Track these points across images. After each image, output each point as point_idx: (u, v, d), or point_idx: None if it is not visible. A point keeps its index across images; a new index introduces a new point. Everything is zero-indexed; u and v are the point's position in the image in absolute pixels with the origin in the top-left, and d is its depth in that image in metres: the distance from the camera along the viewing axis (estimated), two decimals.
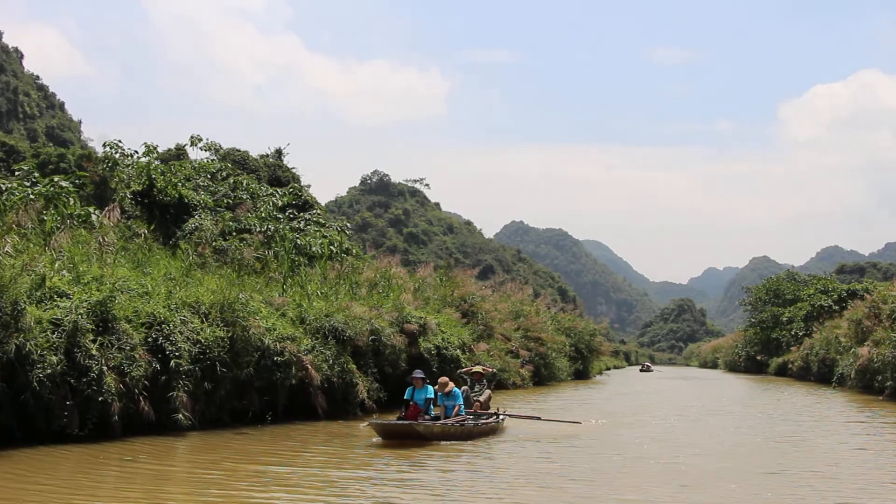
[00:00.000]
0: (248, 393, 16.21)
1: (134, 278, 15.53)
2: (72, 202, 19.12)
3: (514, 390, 33.21)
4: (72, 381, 12.58)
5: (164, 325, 14.43)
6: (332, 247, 24.86)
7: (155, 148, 26.16)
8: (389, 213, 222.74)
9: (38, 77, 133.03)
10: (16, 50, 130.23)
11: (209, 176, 27.30)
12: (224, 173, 27.27)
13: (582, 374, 52.71)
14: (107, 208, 19.09)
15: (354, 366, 18.27)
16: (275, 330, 16.85)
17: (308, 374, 16.85)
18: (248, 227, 23.72)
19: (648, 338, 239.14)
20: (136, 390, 13.39)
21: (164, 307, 14.92)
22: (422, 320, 21.58)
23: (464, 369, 19.47)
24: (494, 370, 20.48)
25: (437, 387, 15.59)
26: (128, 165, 23.77)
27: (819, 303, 56.95)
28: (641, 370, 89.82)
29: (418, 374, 15.33)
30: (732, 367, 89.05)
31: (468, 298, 30.96)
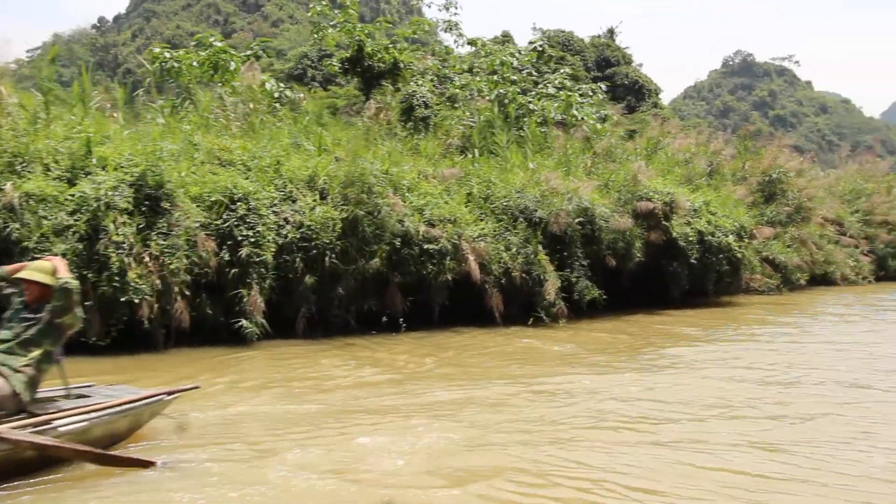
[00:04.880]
0: (385, 292, 12.50)
1: (242, 148, 12.33)
2: None
3: (843, 287, 26.52)
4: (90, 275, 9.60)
5: (239, 203, 11.05)
6: (574, 112, 19.99)
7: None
8: (754, 94, 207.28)
9: None
10: None
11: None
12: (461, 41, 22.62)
13: None
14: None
15: (546, 257, 13.76)
16: (425, 210, 12.89)
17: (469, 266, 12.73)
18: (466, 92, 19.65)
19: None
20: (178, 288, 10.14)
21: (250, 181, 11.56)
22: (668, 196, 16.36)
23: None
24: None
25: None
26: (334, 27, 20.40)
27: None
28: None
29: None
30: None
31: (773, 173, 24.56)
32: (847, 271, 27.87)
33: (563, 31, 72.78)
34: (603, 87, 23.26)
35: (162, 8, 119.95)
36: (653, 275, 17.24)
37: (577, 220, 14.36)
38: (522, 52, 21.83)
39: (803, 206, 25.28)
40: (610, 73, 70.89)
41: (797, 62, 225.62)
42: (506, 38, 66.72)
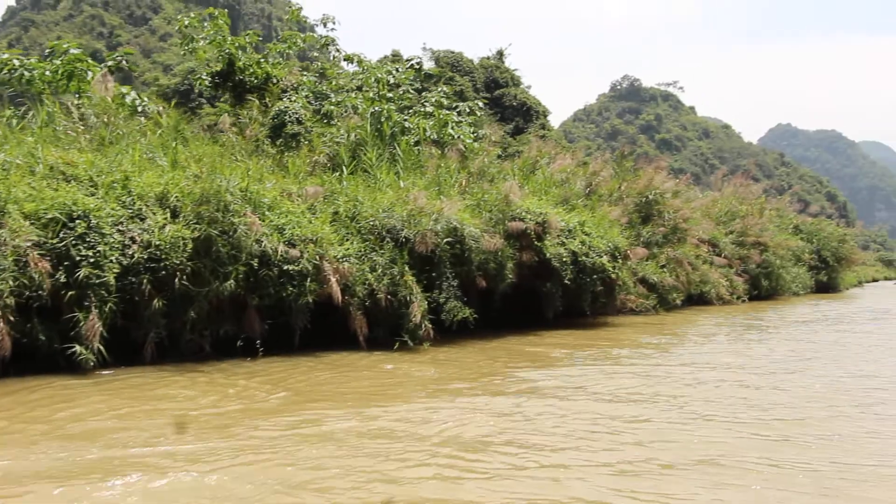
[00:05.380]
0: (243, 315, 11.92)
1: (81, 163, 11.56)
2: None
3: (718, 307, 27.05)
4: None
5: (78, 221, 10.31)
6: (449, 131, 19.75)
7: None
8: (641, 118, 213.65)
9: None
10: None
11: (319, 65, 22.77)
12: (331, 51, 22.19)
13: (826, 287, 44.61)
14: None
15: (413, 278, 13.38)
16: (285, 229, 12.38)
17: (330, 287, 12.24)
18: (342, 110, 19.20)
19: None
20: (3, 312, 9.35)
21: (95, 197, 10.84)
22: (541, 216, 16.23)
23: None
24: None
25: None
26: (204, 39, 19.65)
27: None
28: None
29: None
30: None
31: (649, 193, 24.89)
32: (722, 291, 28.52)
33: (453, 52, 73.35)
34: (481, 104, 23.09)
35: (42, 18, 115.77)
36: (528, 295, 17.11)
37: (445, 241, 14.03)
38: (400, 70, 21.50)
39: (679, 227, 25.75)
40: (499, 94, 71.91)
41: (681, 88, 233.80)
42: (396, 58, 66.83)
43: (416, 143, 18.91)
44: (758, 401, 8.88)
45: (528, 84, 78.56)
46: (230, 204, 11.74)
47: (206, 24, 19.59)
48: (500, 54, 78.71)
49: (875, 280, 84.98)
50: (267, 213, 12.55)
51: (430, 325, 13.14)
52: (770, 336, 17.15)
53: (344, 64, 22.88)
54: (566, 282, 16.85)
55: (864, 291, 52.55)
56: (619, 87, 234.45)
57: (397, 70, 21.46)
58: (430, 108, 20.33)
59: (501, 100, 69.96)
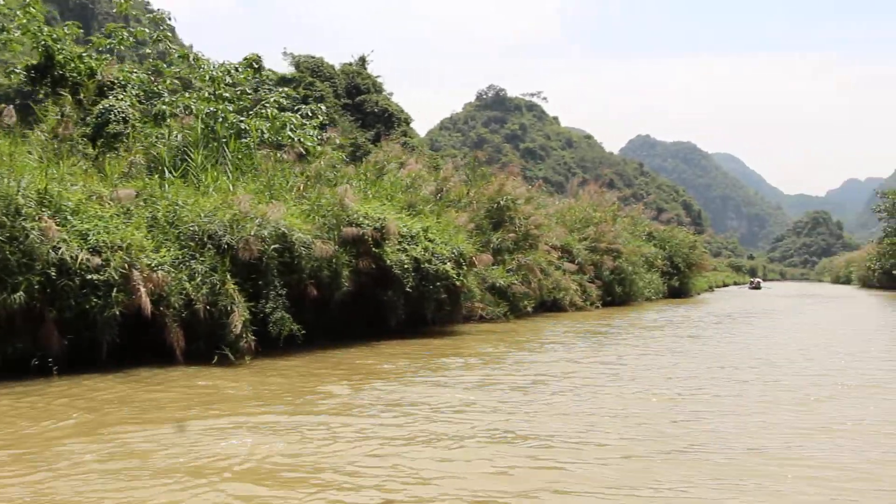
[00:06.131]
0: (39, 329, 10.76)
1: None
2: None
3: (571, 313, 27.05)
4: None
5: None
6: (288, 134, 18.88)
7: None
8: (506, 128, 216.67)
9: None
10: None
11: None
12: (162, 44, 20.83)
13: (679, 293, 45.80)
14: None
15: (235, 287, 12.46)
16: (89, 235, 11.28)
17: (140, 298, 11.21)
18: (175, 109, 18.08)
19: (779, 253, 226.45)
20: None
21: None
22: (379, 222, 15.57)
23: None
24: None
25: None
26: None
27: None
28: (751, 287, 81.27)
29: None
30: (866, 283, 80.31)
31: (500, 199, 24.64)
32: (576, 297, 28.57)
33: (313, 57, 72.11)
34: (324, 107, 22.27)
35: None
36: (370, 304, 16.43)
37: (273, 247, 13.17)
38: (239, 70, 20.44)
39: (531, 234, 25.61)
40: (360, 100, 71.18)
41: (545, 98, 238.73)
42: (255, 62, 65.15)
43: (257, 146, 17.98)
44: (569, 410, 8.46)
45: (390, 91, 78.14)
46: (22, 207, 10.59)
47: (18, 12, 18.05)
48: (363, 60, 77.94)
49: (725, 285, 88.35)
50: (70, 217, 11.42)
51: (254, 338, 12.24)
52: (603, 344, 17.06)
53: (182, 63, 21.63)
54: (408, 289, 16.26)
55: (714, 296, 54.29)
56: (484, 97, 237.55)
57: (236, 70, 20.38)
58: (270, 111, 19.34)
59: (363, 106, 69.23)
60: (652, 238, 44.36)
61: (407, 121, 73.83)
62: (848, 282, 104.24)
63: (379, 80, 76.53)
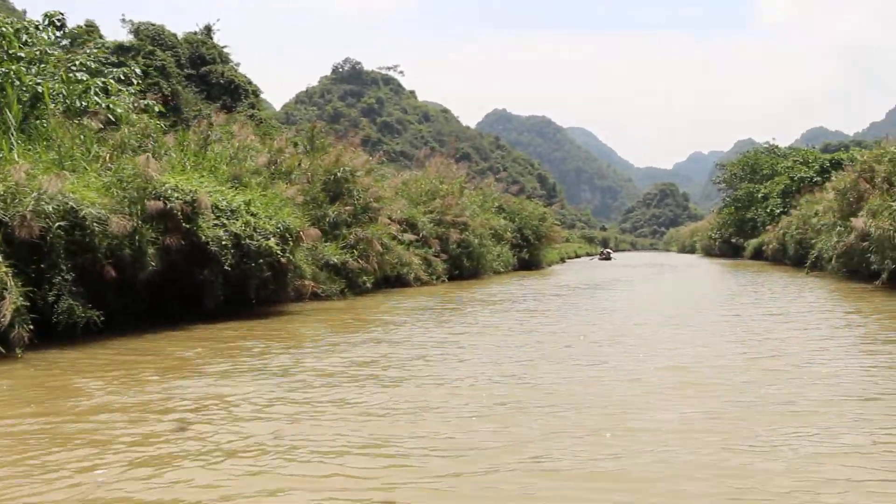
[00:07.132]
0: None
1: None
2: None
3: (416, 288, 26.25)
4: None
5: None
6: (95, 99, 17.17)
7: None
8: (363, 102, 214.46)
9: None
10: None
11: None
12: None
13: (529, 265, 45.89)
14: None
15: (9, 270, 10.93)
16: None
17: None
18: None
19: (630, 224, 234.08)
20: None
21: None
22: (190, 195, 14.22)
23: None
24: None
25: None
26: None
27: (799, 175, 49.70)
28: (601, 258, 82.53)
29: None
30: (708, 252, 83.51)
31: (337, 171, 23.51)
32: (420, 272, 27.79)
33: (154, 25, 68.61)
34: (137, 70, 20.49)
35: None
36: (186, 283, 15.08)
37: (59, 224, 11.68)
38: (40, 28, 18.48)
39: (370, 206, 24.62)
40: (205, 70, 68.25)
41: (402, 72, 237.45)
42: (90, 28, 61.29)
43: (64, 112, 16.23)
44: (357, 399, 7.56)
45: (237, 62, 75.47)
46: None
47: None
48: (209, 30, 74.94)
49: (577, 256, 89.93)
50: None
51: (31, 327, 10.75)
52: (425, 323, 16.33)
53: None
54: (227, 268, 15.00)
55: (564, 267, 54.82)
56: (340, 70, 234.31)
57: (36, 27, 18.42)
58: (63, 72, 17.47)
59: (208, 77, 66.46)
60: (502, 211, 44.17)
61: (255, 93, 71.44)
62: (693, 251, 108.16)
63: (226, 50, 73.82)
